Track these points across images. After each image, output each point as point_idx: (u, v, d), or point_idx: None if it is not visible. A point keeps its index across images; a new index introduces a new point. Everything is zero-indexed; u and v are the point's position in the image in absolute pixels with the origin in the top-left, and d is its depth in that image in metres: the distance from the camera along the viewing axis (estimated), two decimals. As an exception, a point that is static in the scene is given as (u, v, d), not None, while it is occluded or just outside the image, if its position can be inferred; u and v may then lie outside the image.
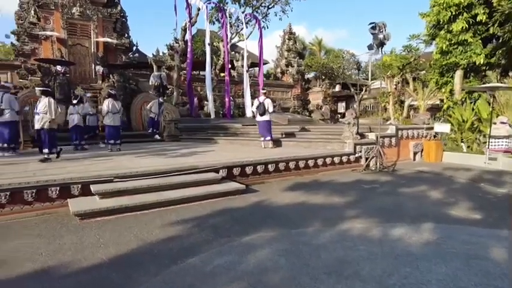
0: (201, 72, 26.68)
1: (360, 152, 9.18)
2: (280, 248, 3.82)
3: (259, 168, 7.21)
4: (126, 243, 4.00)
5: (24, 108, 10.11)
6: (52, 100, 7.28)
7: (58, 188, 5.15)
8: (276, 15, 18.76)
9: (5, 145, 8.02)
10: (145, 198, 5.34)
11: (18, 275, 3.25)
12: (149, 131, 12.73)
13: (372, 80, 26.98)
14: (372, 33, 8.82)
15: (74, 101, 10.05)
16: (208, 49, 15.67)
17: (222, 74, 20.33)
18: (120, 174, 5.68)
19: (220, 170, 6.75)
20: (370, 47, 9.22)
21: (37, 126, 7.26)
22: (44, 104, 7.18)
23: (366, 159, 9.17)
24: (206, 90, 17.39)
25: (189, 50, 15.26)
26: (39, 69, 15.45)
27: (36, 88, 8.05)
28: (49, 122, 7.18)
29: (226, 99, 16.01)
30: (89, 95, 12.61)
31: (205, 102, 18.97)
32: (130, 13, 49.43)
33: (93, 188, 5.25)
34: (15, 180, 4.96)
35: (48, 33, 16.09)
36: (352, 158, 9.00)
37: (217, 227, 4.54)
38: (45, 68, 15.52)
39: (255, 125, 14.02)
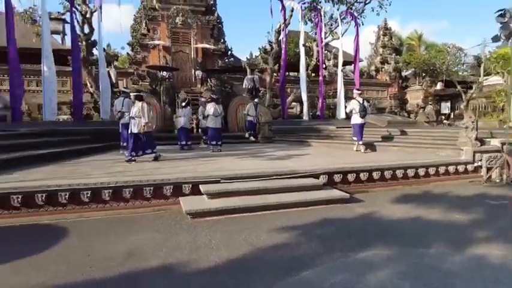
0: (291, 74, 26.75)
1: (480, 160, 7.94)
2: (402, 270, 3.40)
3: (363, 176, 6.73)
4: (236, 246, 4.03)
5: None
6: (145, 105, 7.53)
7: (172, 187, 5.52)
8: (372, 10, 17.63)
9: (125, 144, 9.03)
10: (250, 200, 5.39)
11: (145, 268, 3.49)
12: (246, 135, 12.96)
13: (485, 75, 23.53)
14: (501, 22, 7.54)
15: (183, 104, 10.77)
16: (302, 50, 15.52)
17: (312, 75, 20.05)
18: (226, 175, 5.85)
19: (321, 176, 6.47)
20: (495, 39, 7.92)
21: (135, 130, 7.51)
22: (138, 108, 7.49)
23: (488, 169, 7.89)
24: (300, 91, 17.27)
25: (283, 51, 15.34)
26: (148, 75, 17.27)
27: (131, 94, 8.45)
28: (144, 125, 7.44)
29: (320, 100, 15.64)
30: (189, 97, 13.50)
31: (293, 103, 18.88)
32: (225, 19, 52.33)
33: (202, 188, 5.49)
34: (136, 178, 5.46)
35: (156, 42, 17.88)
36: (469, 167, 7.83)
37: (325, 238, 4.30)
38: (153, 74, 17.26)
39: (350, 127, 13.36)
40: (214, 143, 9.74)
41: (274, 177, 6.10)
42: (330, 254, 3.80)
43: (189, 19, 17.95)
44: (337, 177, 6.63)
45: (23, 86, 12.37)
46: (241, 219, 5.01)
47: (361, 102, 9.28)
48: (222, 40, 19.59)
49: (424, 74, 26.85)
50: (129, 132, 7.64)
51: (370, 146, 9.74)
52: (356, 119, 9.40)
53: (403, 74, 27.95)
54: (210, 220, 4.97)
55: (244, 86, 18.12)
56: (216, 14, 19.05)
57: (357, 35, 16.37)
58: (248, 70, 19.10)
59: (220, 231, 4.52)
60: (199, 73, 18.07)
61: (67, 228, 4.66)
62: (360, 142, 9.36)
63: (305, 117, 15.75)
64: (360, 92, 10.00)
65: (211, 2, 18.88)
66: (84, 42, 15.18)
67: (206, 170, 6.30)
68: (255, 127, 12.99)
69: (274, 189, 5.80)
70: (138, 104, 7.56)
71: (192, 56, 18.60)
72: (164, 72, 17.01)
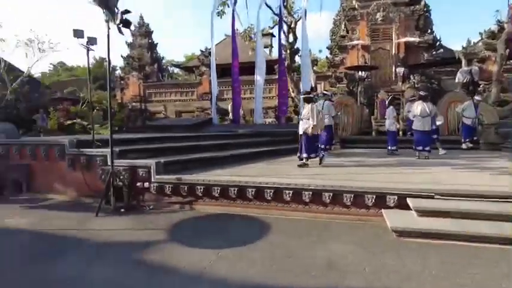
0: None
1: None
2: None
3: None
4: (462, 286, 3.09)
5: (338, 113, 11.21)
6: (314, 106, 7.16)
7: (374, 197, 4.96)
8: None
9: (322, 146, 9.08)
10: (476, 227, 4.15)
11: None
12: (463, 146, 10.25)
13: None
14: None
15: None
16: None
17: None
18: (442, 190, 4.77)
19: None
20: None
21: (300, 131, 7.31)
22: (307, 110, 7.21)
23: None
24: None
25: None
26: (345, 77, 17.08)
27: (301, 96, 8.15)
28: (311, 127, 7.09)
29: None
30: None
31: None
32: (434, 6, 45.61)
33: (411, 202, 4.67)
34: (336, 183, 5.20)
35: (354, 42, 17.45)
36: None
37: None
38: (350, 75, 16.93)
39: None
40: (420, 148, 8.44)
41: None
42: None
43: (390, 13, 16.59)
44: None
45: (240, 94, 14.69)
46: (463, 249, 3.90)
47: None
48: (429, 30, 17.09)
49: None
50: (299, 134, 7.49)
51: None
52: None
53: None
54: (420, 242, 4.11)
55: (457, 81, 15.13)
56: (422, 3, 16.79)
57: None
58: (464, 61, 15.86)
59: (435, 259, 3.63)
60: (400, 70, 16.41)
61: (271, 224, 4.92)
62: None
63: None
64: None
65: (418, -10, 16.79)
66: (288, 51, 16.57)
67: (415, 181, 5.37)
68: (473, 132, 10.39)
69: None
70: (308, 106, 7.30)
71: (393, 52, 17.10)
72: (362, 72, 16.40)
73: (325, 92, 10.06)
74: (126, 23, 6.22)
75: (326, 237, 4.42)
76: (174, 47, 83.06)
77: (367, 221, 4.97)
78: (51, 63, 49.43)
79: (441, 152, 9.09)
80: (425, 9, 16.86)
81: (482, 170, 6.51)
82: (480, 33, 17.56)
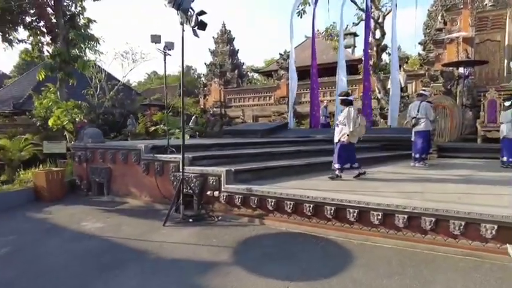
0: None
1: None
2: None
3: None
4: None
5: (436, 116, 9.61)
6: (352, 110, 6.11)
7: (495, 227, 3.75)
8: None
9: (417, 156, 7.76)
10: None
11: None
12: None
13: None
14: None
15: (507, 103, 8.04)
16: None
17: None
18: None
19: None
20: None
21: (335, 138, 6.33)
22: (343, 114, 6.18)
23: None
24: None
25: None
26: (442, 75, 14.89)
27: (339, 97, 6.94)
28: (347, 135, 6.04)
29: None
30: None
31: None
32: None
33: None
34: (439, 206, 4.10)
35: (454, 35, 15.15)
36: None
37: None
38: (448, 73, 14.70)
39: None
40: None
41: None
42: None
43: (503, -4, 13.95)
44: None
45: (318, 96, 13.86)
46: None
47: None
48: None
49: None
50: (334, 141, 6.42)
51: None
52: None
53: None
54: None
55: None
56: (548, -20, 13.76)
57: None
58: None
59: None
60: (514, 64, 13.67)
61: (352, 252, 4.07)
62: None
63: None
64: None
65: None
66: (374, 48, 15.13)
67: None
68: None
69: None
70: (345, 109, 6.22)
71: (506, 43, 14.36)
72: (463, 69, 14.08)
73: (422, 91, 8.56)
74: (202, 25, 6.02)
75: (427, 275, 3.43)
76: (255, 52, 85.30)
77: (484, 258, 3.78)
78: (146, 73, 54.91)
79: None
80: (551, -12, 13.78)
81: None
82: None
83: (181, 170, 5.62)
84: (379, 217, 4.31)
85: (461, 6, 15.01)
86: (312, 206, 4.77)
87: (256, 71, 33.75)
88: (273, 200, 5.06)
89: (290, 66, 14.05)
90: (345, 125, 6.14)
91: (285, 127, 13.28)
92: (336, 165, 6.21)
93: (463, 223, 3.92)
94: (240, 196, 5.39)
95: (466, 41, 15.02)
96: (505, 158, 7.68)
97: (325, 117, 15.36)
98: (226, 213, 5.64)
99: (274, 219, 5.15)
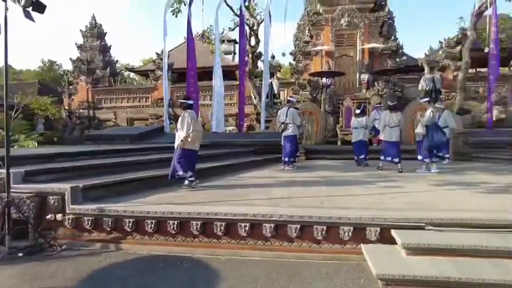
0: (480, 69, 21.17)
1: None
2: None
3: None
4: None
5: (303, 122, 10.26)
6: (187, 115, 5.77)
7: (351, 229, 3.91)
8: None
9: (286, 159, 8.05)
10: (479, 268, 3.22)
11: None
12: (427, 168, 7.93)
13: None
14: None
15: (357, 111, 9.15)
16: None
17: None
18: (434, 219, 3.82)
19: None
20: None
21: (175, 144, 5.94)
22: (179, 119, 5.91)
23: None
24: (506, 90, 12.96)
25: (493, 36, 11.39)
26: (309, 84, 16.37)
27: (179, 100, 6.49)
28: (181, 140, 5.73)
29: None
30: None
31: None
32: (398, 13, 46.36)
33: (398, 236, 3.67)
34: (304, 212, 4.09)
35: (318, 48, 16.85)
36: None
37: None
38: (314, 82, 16.26)
39: None
40: (389, 159, 7.87)
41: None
42: None
43: (355, 19, 16.19)
44: None
45: (198, 100, 13.36)
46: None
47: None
48: (393, 37, 16.94)
49: None
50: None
51: None
52: None
53: None
54: (417, 295, 3.10)
55: (420, 88, 14.90)
56: (386, 9, 16.59)
57: None
58: (426, 68, 15.71)
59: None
60: (364, 77, 16.01)
61: (219, 272, 3.67)
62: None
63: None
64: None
65: (382, -4, 16.58)
66: (250, 55, 15.56)
67: (397, 207, 4.40)
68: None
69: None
70: (182, 113, 5.92)
71: (357, 58, 16.70)
72: (326, 79, 15.77)
73: (290, 98, 9.04)
74: (38, 6, 4.83)
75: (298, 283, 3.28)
76: (133, 50, 79.87)
77: (344, 261, 3.89)
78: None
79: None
80: (389, 16, 16.68)
81: (466, 187, 5.73)
82: (440, 42, 17.69)
83: (6, 190, 4.32)
84: (247, 228, 4.06)
85: (324, 23, 16.83)
86: (176, 222, 4.22)
87: (132, 69, 31.26)
88: (131, 220, 4.30)
89: (164, 66, 13.23)
90: (182, 129, 5.71)
91: (160, 131, 12.34)
92: (180, 173, 5.71)
93: (325, 228, 3.97)
94: (91, 218, 4.44)
95: (328, 54, 16.90)
96: (362, 156, 8.80)
97: None
98: (74, 240, 4.58)
99: (134, 242, 4.39)
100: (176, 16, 13.97)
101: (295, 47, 19.16)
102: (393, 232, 3.80)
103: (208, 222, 4.18)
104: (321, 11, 16.84)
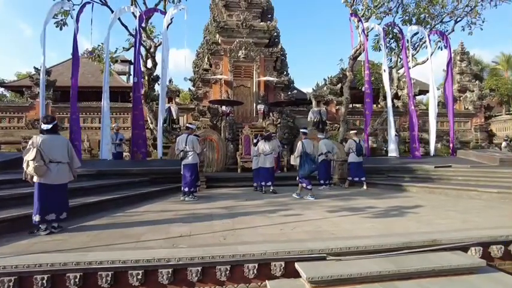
0: (356, 105, 24.67)
1: None
2: None
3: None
4: None
5: (203, 149, 10.00)
6: (32, 141, 4.62)
7: (256, 266, 3.72)
8: (463, 29, 15.40)
9: (186, 189, 7.58)
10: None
11: None
12: (322, 183, 10.04)
13: None
14: None
15: (255, 140, 9.74)
16: (386, 77, 13.51)
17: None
18: (333, 249, 3.91)
19: (472, 249, 4.28)
20: None
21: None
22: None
23: None
24: (377, 124, 15.14)
25: (366, 78, 13.33)
26: (209, 111, 16.31)
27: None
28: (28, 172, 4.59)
29: (414, 133, 13.27)
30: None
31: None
32: (289, 51, 51.77)
33: (302, 270, 3.61)
34: (205, 253, 3.72)
35: (218, 76, 17.07)
36: None
37: None
38: (214, 109, 16.29)
39: (450, 166, 10.93)
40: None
41: (406, 251, 4.03)
42: None
43: (252, 52, 17.04)
44: (495, 251, 4.38)
45: (78, 122, 11.80)
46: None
47: (358, 141, 10.25)
48: (285, 72, 18.35)
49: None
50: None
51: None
52: (353, 158, 10.17)
53: (485, 102, 24.35)
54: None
55: (309, 119, 16.41)
56: (279, 46, 17.98)
57: (450, 58, 14.04)
58: (314, 102, 17.46)
59: None
60: (261, 107, 16.78)
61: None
62: (363, 179, 10.02)
63: (393, 153, 13.35)
64: (355, 131, 11.04)
65: (275, 34, 17.91)
66: (146, 77, 14.75)
67: (299, 237, 4.40)
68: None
69: (406, 273, 3.71)
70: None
71: (254, 89, 17.47)
72: (224, 107, 15.98)
73: (189, 124, 8.70)
74: None
75: None
76: (9, 63, 68.69)
77: (249, 301, 3.65)
78: None
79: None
80: (281, 52, 18.07)
81: (356, 212, 6.20)
82: (324, 79, 19.95)
83: None
84: (139, 276, 3.48)
85: (223, 53, 17.23)
86: (46, 278, 3.36)
87: (2, 84, 26.44)
88: (-24, 280, 3.26)
89: (41, 82, 11.47)
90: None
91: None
92: (36, 217, 4.55)
93: (228, 267, 3.69)
94: None
95: (227, 83, 17.25)
96: (269, 183, 9.11)
97: (115, 146, 12.46)
98: None
99: (-20, 310, 3.32)
100: (61, 29, 12.43)
101: (194, 74, 19.05)
102: (297, 265, 3.75)
103: (90, 273, 3.45)
104: (219, 41, 17.24)
